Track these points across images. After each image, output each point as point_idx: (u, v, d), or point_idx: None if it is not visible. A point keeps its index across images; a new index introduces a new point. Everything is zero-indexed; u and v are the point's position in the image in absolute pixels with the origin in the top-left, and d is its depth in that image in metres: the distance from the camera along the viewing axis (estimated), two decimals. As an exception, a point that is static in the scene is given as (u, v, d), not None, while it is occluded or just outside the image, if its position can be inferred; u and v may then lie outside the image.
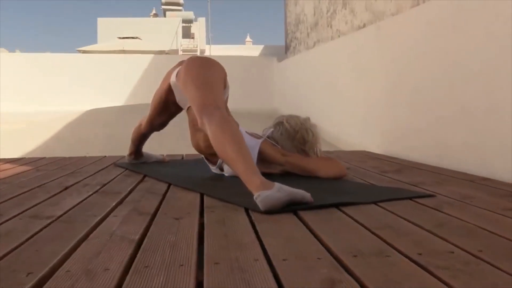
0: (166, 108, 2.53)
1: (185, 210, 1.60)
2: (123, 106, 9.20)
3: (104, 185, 2.21)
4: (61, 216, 1.54)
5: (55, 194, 1.97)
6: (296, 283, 0.89)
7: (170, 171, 2.61)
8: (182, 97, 2.34)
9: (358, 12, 5.08)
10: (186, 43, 21.90)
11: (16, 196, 1.93)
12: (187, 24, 24.41)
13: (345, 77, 4.86)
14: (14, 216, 1.54)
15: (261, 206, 1.50)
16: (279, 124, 2.49)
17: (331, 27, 6.18)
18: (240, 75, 9.40)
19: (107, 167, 2.93)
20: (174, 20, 22.25)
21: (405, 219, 1.42)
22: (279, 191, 1.53)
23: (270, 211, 1.50)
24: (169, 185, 2.17)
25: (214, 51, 20.99)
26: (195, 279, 0.93)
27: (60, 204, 1.74)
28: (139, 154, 3.04)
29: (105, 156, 3.66)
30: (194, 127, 2.37)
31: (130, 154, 3.03)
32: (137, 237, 1.25)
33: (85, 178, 2.44)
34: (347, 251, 1.09)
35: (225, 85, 2.24)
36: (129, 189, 2.08)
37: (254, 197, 1.53)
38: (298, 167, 2.31)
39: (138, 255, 1.08)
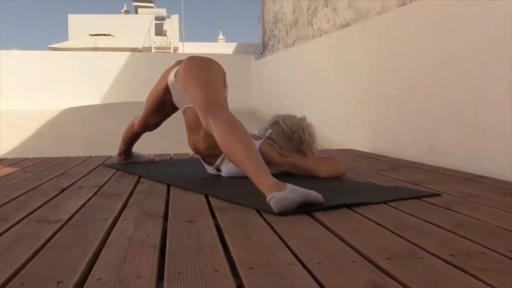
0: (162, 108, 2.49)
1: (195, 213, 1.57)
2: (102, 105, 9.06)
3: (101, 187, 2.16)
4: (69, 220, 1.49)
5: (54, 197, 1.92)
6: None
7: (165, 172, 2.57)
8: (180, 97, 2.30)
9: (341, 11, 5.09)
10: (159, 41, 21.69)
11: (13, 199, 1.87)
12: (159, 21, 24.19)
13: (329, 76, 4.88)
14: (20, 221, 1.49)
15: (275, 207, 1.48)
16: (275, 124, 2.47)
17: (312, 25, 6.19)
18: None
19: (96, 167, 2.88)
20: (146, 17, 22.01)
21: (422, 219, 1.42)
22: (293, 192, 1.52)
23: (284, 213, 1.48)
24: (168, 186, 2.14)
25: (187, 48, 20.86)
26: (236, 285, 0.90)
27: (63, 207, 1.70)
28: (129, 154, 2.99)
29: (91, 156, 3.59)
30: (191, 128, 2.34)
31: (119, 154, 2.97)
32: (157, 242, 1.22)
33: (79, 180, 2.38)
34: (379, 253, 1.08)
35: (224, 85, 2.22)
36: (128, 190, 2.04)
37: (268, 198, 1.51)
38: (297, 167, 2.30)
39: (166, 261, 1.05)
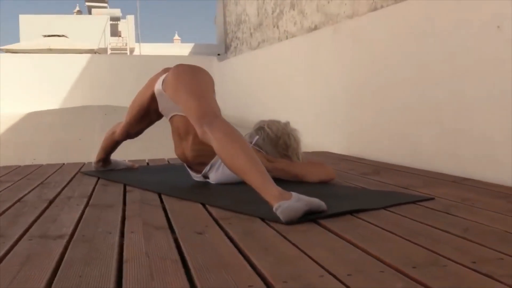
0: (146, 116, 2.47)
1: (200, 223, 1.56)
2: (64, 109, 8.83)
3: (89, 197, 2.11)
4: (72, 234, 1.46)
5: (45, 209, 1.87)
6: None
7: (151, 179, 2.54)
8: (167, 105, 2.28)
9: (308, 14, 5.15)
10: (115, 42, 21.34)
11: (2, 213, 1.82)
12: (114, 22, 23.80)
13: (299, 78, 4.92)
14: (20, 237, 1.45)
15: (282, 216, 1.49)
16: (260, 129, 2.48)
17: (277, 27, 6.23)
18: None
19: (75, 176, 2.81)
20: (101, 17, 21.61)
21: (427, 224, 1.46)
22: (299, 200, 1.53)
23: (291, 222, 1.49)
24: (159, 194, 2.11)
25: (143, 49, 20.60)
26: (278, 301, 0.91)
27: (60, 221, 1.66)
28: (107, 161, 2.94)
29: (64, 163, 3.51)
30: (180, 136, 2.32)
31: (97, 162, 2.92)
32: (176, 256, 1.21)
33: (63, 190, 2.33)
34: (403, 262, 1.10)
35: (214, 92, 2.21)
36: (120, 200, 2.01)
37: (274, 208, 1.51)
38: (286, 173, 2.31)
39: (195, 277, 1.04)
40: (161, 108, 2.35)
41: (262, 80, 6.14)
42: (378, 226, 1.45)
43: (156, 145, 4.76)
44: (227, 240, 1.34)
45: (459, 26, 2.59)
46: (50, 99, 9.55)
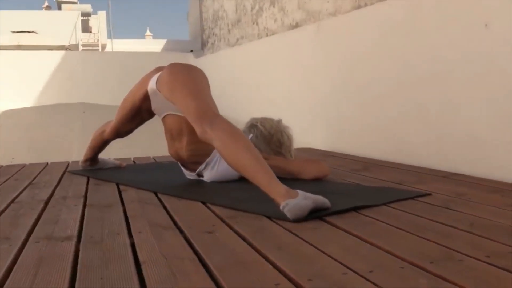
0: (137, 115, 2.45)
1: (207, 222, 1.56)
2: (40, 107, 8.66)
3: (85, 197, 2.09)
4: (79, 236, 1.45)
5: (43, 211, 1.84)
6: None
7: (143, 178, 2.52)
8: (161, 104, 2.26)
9: (289, 11, 5.16)
10: (86, 38, 20.99)
11: None
12: (85, 18, 23.41)
13: (281, 75, 4.94)
14: (26, 240, 1.43)
15: (290, 214, 1.50)
16: (253, 127, 2.49)
17: (257, 24, 6.23)
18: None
19: (63, 175, 2.78)
20: (72, 13, 21.20)
21: (431, 220, 1.49)
22: (305, 198, 1.54)
23: (298, 220, 1.51)
24: (155, 193, 2.10)
25: (116, 46, 20.35)
26: (308, 299, 0.92)
27: (62, 222, 1.64)
28: (95, 160, 2.91)
29: (48, 163, 3.45)
30: (173, 136, 2.31)
31: (85, 161, 2.88)
32: (193, 256, 1.21)
33: (55, 190, 2.29)
34: (419, 258, 1.12)
35: (210, 91, 2.21)
36: (117, 200, 1.99)
37: (282, 206, 1.53)
38: (281, 170, 2.32)
39: (220, 278, 1.05)
40: (154, 107, 2.33)
41: (242, 77, 6.13)
42: (385, 223, 1.47)
43: (136, 143, 4.72)
44: (239, 239, 1.35)
45: (446, 24, 2.64)
46: (24, 97, 9.36)
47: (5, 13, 20.61)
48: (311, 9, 4.62)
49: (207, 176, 2.33)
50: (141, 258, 1.20)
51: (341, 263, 1.11)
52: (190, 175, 2.42)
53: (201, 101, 2.03)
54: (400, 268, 1.07)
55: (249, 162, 1.68)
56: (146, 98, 2.32)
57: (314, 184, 2.18)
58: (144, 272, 1.10)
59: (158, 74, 2.27)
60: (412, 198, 1.82)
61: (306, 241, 1.30)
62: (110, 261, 1.19)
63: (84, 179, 2.58)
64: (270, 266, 1.11)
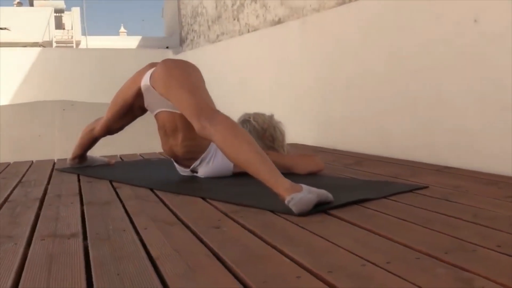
0: (129, 112, 2.42)
1: (212, 217, 1.56)
2: (17, 105, 8.50)
3: (80, 194, 2.07)
4: (85, 233, 1.43)
5: (40, 209, 1.81)
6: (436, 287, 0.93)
7: (135, 175, 2.51)
8: (154, 101, 2.24)
9: (271, 7, 5.17)
10: (60, 34, 20.67)
11: (-4, 213, 1.75)
12: (58, 14, 23.04)
13: (264, 71, 4.94)
14: (31, 238, 1.41)
15: (295, 209, 1.51)
16: (245, 122, 2.49)
17: (238, 20, 6.22)
18: (132, 69, 9.11)
19: (51, 173, 2.74)
20: (45, 9, 20.83)
21: (435, 211, 1.51)
22: (310, 192, 1.55)
23: (303, 213, 1.51)
24: (151, 190, 2.09)
25: (90, 42, 20.11)
26: (333, 291, 0.93)
27: (62, 220, 1.61)
28: (84, 158, 2.87)
29: (33, 161, 3.40)
30: (167, 133, 2.29)
31: (73, 158, 2.85)
32: (206, 251, 1.20)
33: (47, 188, 2.26)
34: (432, 248, 1.14)
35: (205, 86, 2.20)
36: (114, 198, 1.97)
37: (287, 200, 1.53)
38: (275, 164, 2.33)
39: (238, 271, 1.05)
40: (146, 103, 2.31)
41: (224, 73, 6.11)
42: (390, 215, 1.49)
43: (116, 141, 4.67)
44: (248, 233, 1.35)
45: (435, 19, 2.67)
46: (-1, 95, 9.18)
47: (-24, 9, 20.17)
48: (294, 5, 4.63)
49: (202, 172, 2.32)
50: (153, 253, 1.19)
51: (357, 255, 1.12)
52: (183, 171, 2.41)
53: (198, 96, 2.02)
54: (416, 259, 1.08)
55: (251, 156, 1.68)
56: (139, 94, 2.29)
57: (309, 178, 2.18)
58: (160, 267, 1.09)
59: (152, 70, 2.25)
60: (411, 191, 1.84)
61: (316, 234, 1.30)
62: (123, 257, 1.18)
63: (75, 177, 2.55)
64: (287, 259, 1.11)
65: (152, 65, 2.34)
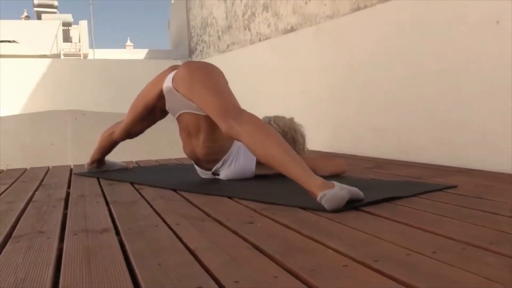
0: (150, 115, 2.41)
1: (243, 214, 1.54)
2: (33, 114, 8.52)
3: (103, 195, 2.06)
4: (117, 228, 1.42)
5: (66, 208, 1.80)
6: (493, 276, 0.91)
7: (156, 178, 2.49)
8: (176, 103, 2.23)
9: (284, 15, 5.18)
10: (68, 47, 20.81)
11: (21, 212, 1.74)
12: (66, 27, 23.22)
13: (276, 79, 4.94)
14: (63, 233, 1.39)
15: (328, 205, 1.49)
16: (266, 125, 2.48)
17: (249, 29, 6.23)
18: (141, 78, 9.13)
19: (70, 177, 2.73)
20: (53, 22, 20.99)
21: (469, 207, 1.49)
22: (342, 189, 1.54)
23: (335, 210, 1.50)
24: (175, 190, 2.08)
25: (98, 55, 20.20)
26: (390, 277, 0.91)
27: (91, 217, 1.60)
28: (102, 162, 2.87)
29: (49, 166, 3.40)
30: (190, 134, 2.28)
31: (92, 163, 2.84)
32: (245, 243, 1.19)
33: (68, 190, 2.26)
34: (477, 239, 1.12)
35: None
36: (138, 197, 1.96)
37: (319, 197, 1.51)
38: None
39: (284, 261, 1.03)
40: (168, 106, 2.30)
41: (236, 82, 6.11)
42: (425, 211, 1.47)
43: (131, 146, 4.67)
44: (285, 228, 1.33)
45: (455, 22, 2.66)
46: (10, 105, 9.21)
47: (-15, 22, 20.34)
48: (307, 12, 4.64)
49: (224, 174, 2.31)
50: (191, 246, 1.18)
51: (400, 246, 1.10)
52: (205, 174, 2.40)
53: (223, 97, 2.01)
54: (462, 249, 1.06)
55: (281, 154, 1.67)
56: (160, 97, 2.29)
57: (333, 180, 2.16)
58: (201, 258, 1.08)
59: (174, 72, 2.24)
60: (440, 190, 1.82)
61: (354, 228, 1.29)
62: (161, 249, 1.16)
63: (95, 180, 2.54)
64: (330, 251, 1.09)
65: (174, 67, 2.33)
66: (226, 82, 2.15)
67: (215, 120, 1.95)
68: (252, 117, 1.85)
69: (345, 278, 0.91)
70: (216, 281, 0.92)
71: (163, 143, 4.98)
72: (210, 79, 2.11)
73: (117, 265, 1.06)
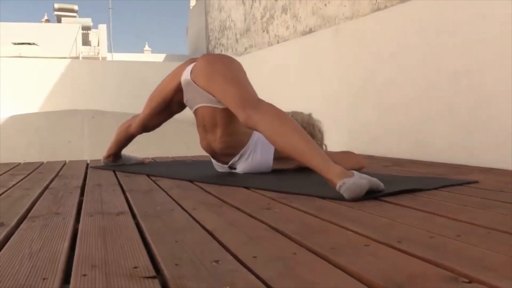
0: (167, 109, 2.40)
1: (260, 201, 1.52)
2: (51, 112, 8.61)
3: (120, 184, 2.05)
4: (133, 212, 1.40)
5: (82, 194, 1.80)
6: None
7: (173, 171, 2.49)
8: (194, 96, 2.21)
9: (303, 17, 5.16)
10: (87, 51, 21.03)
11: (36, 199, 1.74)
12: (85, 31, 23.47)
13: (295, 80, 4.92)
14: (78, 214, 1.38)
15: (347, 193, 1.46)
16: (283, 120, 2.46)
17: (267, 32, 6.23)
18: (159, 80, 9.18)
19: (87, 170, 2.73)
20: (73, 26, 21.23)
21: (491, 199, 1.45)
22: (362, 178, 1.51)
23: (355, 199, 1.47)
24: (191, 181, 2.07)
25: (115, 59, 20.36)
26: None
27: (108, 202, 1.59)
28: (118, 156, 2.86)
29: (66, 161, 3.41)
30: (206, 128, 2.26)
31: (108, 156, 2.84)
32: (263, 225, 1.17)
33: (85, 180, 2.25)
34: (502, 226, 1.09)
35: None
36: (154, 186, 1.95)
37: (338, 185, 1.49)
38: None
39: (301, 240, 1.01)
40: (186, 99, 2.29)
41: (254, 84, 6.11)
42: (447, 202, 1.44)
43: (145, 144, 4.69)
44: (304, 214, 1.31)
45: (476, 22, 2.63)
46: (29, 103, 9.31)
47: (6, 25, 20.64)
48: (327, 14, 4.62)
49: (241, 167, 2.29)
50: (208, 227, 1.16)
51: (423, 229, 1.07)
52: (222, 167, 2.38)
53: (241, 87, 2.00)
54: (487, 233, 1.03)
55: (300, 143, 1.65)
56: (178, 89, 2.27)
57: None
58: (218, 237, 1.05)
59: (192, 65, 2.23)
60: (462, 184, 1.79)
61: (375, 214, 1.26)
62: (178, 229, 1.15)
63: (111, 172, 2.54)
64: (351, 233, 1.07)
65: (192, 60, 2.32)
66: (244, 73, 2.14)
67: (233, 110, 1.93)
68: (270, 106, 1.83)
69: (367, 255, 0.88)
70: (234, 256, 0.90)
71: (179, 143, 4.98)
72: (229, 70, 2.09)
73: (133, 242, 1.04)
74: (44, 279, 0.79)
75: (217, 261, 0.87)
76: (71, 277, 0.80)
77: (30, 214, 1.40)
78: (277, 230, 1.10)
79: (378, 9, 3.74)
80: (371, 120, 3.60)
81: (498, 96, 2.48)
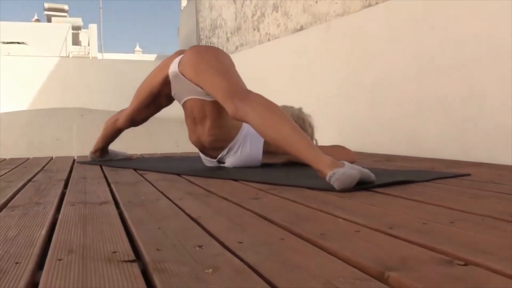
0: (155, 102, 2.35)
1: (248, 192, 1.48)
2: (41, 110, 8.52)
3: (105, 177, 2.00)
4: (116, 202, 1.36)
5: (66, 186, 1.75)
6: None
7: (161, 165, 2.44)
8: (182, 88, 2.17)
9: (293, 15, 5.13)
10: (77, 50, 20.93)
11: (19, 189, 1.69)
12: (75, 31, 23.35)
13: (286, 77, 4.89)
14: (60, 204, 1.34)
15: (337, 184, 1.43)
16: (273, 114, 2.42)
17: (258, 30, 6.20)
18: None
19: (73, 165, 2.68)
20: (63, 26, 21.11)
21: (485, 190, 1.42)
22: (352, 168, 1.47)
23: (344, 190, 1.43)
24: (179, 175, 2.02)
25: (106, 59, 20.27)
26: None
27: (91, 193, 1.54)
28: (105, 151, 2.81)
29: (52, 157, 3.35)
30: (195, 121, 2.22)
31: (95, 151, 2.79)
32: (251, 214, 1.13)
33: (70, 174, 2.20)
34: (497, 213, 1.06)
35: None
36: (141, 179, 1.90)
37: (328, 175, 1.45)
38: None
39: (295, 228, 0.97)
40: (174, 92, 2.24)
41: (245, 82, 6.08)
42: (439, 192, 1.40)
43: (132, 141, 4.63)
44: (293, 203, 1.27)
45: (468, 17, 2.61)
46: (18, 101, 9.21)
47: (-5, 24, 20.46)
48: (318, 11, 4.59)
49: (230, 161, 2.25)
50: (193, 215, 1.12)
51: (416, 216, 1.04)
52: (210, 161, 2.34)
53: (229, 79, 1.95)
54: (481, 220, 1.00)
55: (289, 133, 1.61)
56: (166, 82, 2.23)
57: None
58: (203, 224, 1.01)
59: (180, 57, 2.19)
60: (454, 177, 1.76)
61: (366, 204, 1.22)
62: (162, 218, 1.10)
63: (97, 167, 2.49)
64: (341, 220, 1.03)
65: (180, 52, 2.28)
66: (233, 65, 2.10)
67: (221, 102, 1.89)
68: (259, 97, 1.79)
69: (358, 240, 0.85)
70: (219, 241, 0.86)
71: (170, 142, 4.93)
72: (217, 61, 2.05)
73: (114, 228, 1.00)
74: (16, 263, 0.75)
75: (200, 246, 0.83)
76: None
77: (9, 204, 1.35)
78: (265, 218, 1.07)
79: (369, 5, 3.72)
80: (363, 116, 3.58)
81: (490, 92, 2.46)
